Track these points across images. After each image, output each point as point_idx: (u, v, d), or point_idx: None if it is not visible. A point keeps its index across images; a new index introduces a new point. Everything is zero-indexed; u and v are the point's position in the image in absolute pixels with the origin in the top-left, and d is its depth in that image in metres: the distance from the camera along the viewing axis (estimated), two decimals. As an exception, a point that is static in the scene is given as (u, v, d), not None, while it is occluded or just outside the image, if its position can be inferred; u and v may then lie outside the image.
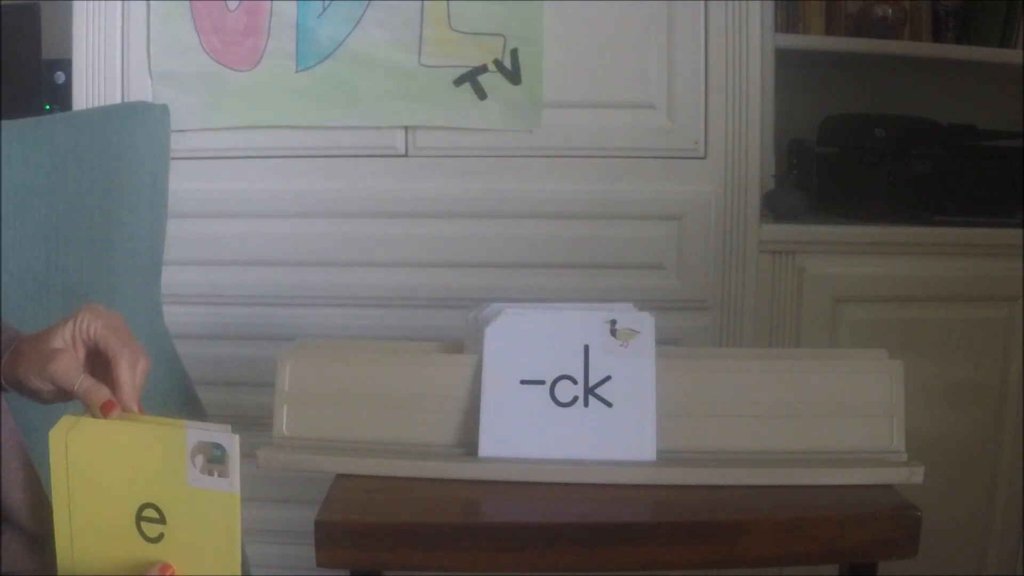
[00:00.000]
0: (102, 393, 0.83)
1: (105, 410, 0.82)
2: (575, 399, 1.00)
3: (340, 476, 0.97)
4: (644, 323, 1.03)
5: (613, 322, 1.02)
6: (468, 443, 1.00)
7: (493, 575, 0.88)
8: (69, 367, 0.84)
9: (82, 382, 0.84)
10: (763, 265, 1.70)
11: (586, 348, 1.01)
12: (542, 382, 1.01)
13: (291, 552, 1.65)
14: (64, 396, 0.85)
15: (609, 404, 1.00)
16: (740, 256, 1.69)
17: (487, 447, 0.99)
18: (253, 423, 0.99)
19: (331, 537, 0.88)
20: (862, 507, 0.92)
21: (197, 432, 0.73)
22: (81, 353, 0.86)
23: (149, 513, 0.75)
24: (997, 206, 1.77)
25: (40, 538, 0.92)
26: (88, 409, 0.82)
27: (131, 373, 0.84)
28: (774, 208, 1.74)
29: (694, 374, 1.02)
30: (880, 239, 1.72)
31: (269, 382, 1.03)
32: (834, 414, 1.01)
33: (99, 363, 0.86)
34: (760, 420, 1.01)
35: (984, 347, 1.76)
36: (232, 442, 0.72)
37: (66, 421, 0.76)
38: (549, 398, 1.00)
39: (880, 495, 0.95)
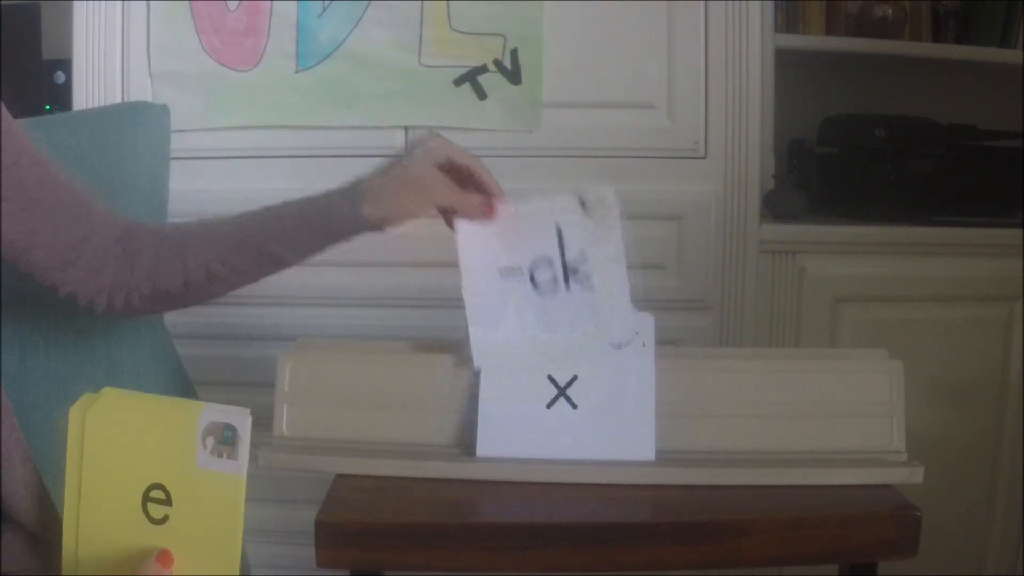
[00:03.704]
0: (478, 200, 1.02)
1: (488, 211, 1.02)
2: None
3: (340, 476, 0.97)
4: (644, 323, 1.03)
5: (583, 202, 1.04)
6: (468, 443, 1.00)
7: (493, 575, 0.88)
8: (445, 187, 1.02)
9: (460, 198, 1.02)
10: (763, 265, 1.70)
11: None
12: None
13: (291, 552, 1.65)
14: (418, 218, 1.03)
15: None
16: (740, 256, 1.69)
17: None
18: (253, 423, 0.99)
19: (331, 537, 0.88)
20: (862, 507, 0.92)
21: (211, 412, 0.73)
22: (440, 172, 1.02)
23: (156, 494, 0.75)
24: (997, 206, 1.77)
25: (41, 537, 0.92)
26: (467, 215, 1.02)
27: (488, 173, 1.03)
28: (774, 208, 1.74)
29: (694, 374, 1.02)
30: (880, 239, 1.72)
31: (269, 382, 1.03)
32: (834, 414, 1.01)
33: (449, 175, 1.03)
34: (760, 420, 1.01)
35: (984, 347, 1.76)
36: (244, 423, 0.73)
37: (86, 398, 0.76)
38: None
39: (880, 495, 0.95)
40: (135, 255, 1.04)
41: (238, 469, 0.73)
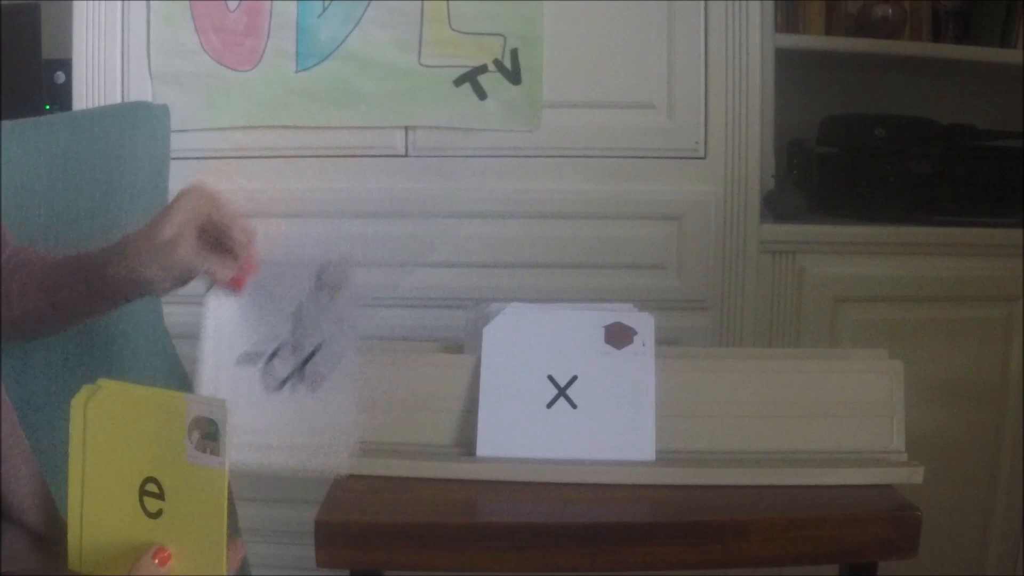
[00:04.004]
0: (227, 271, 0.91)
1: (234, 285, 0.91)
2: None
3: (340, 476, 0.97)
4: (644, 323, 1.03)
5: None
6: (468, 443, 1.00)
7: (493, 575, 0.88)
8: (188, 254, 0.89)
9: (207, 264, 0.90)
10: (763, 265, 1.70)
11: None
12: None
13: (291, 552, 1.65)
14: (183, 283, 0.91)
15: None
16: (740, 256, 1.69)
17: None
18: (254, 423, 0.99)
19: (331, 537, 0.88)
20: (862, 507, 0.92)
21: (194, 405, 0.73)
22: (194, 233, 0.91)
23: (151, 487, 0.75)
24: (997, 206, 1.77)
25: (43, 536, 0.92)
26: (215, 285, 0.91)
27: (243, 234, 0.92)
28: (774, 208, 1.74)
29: (694, 374, 1.02)
30: (880, 239, 1.72)
31: (269, 382, 1.03)
32: (834, 414, 1.01)
33: (208, 235, 0.92)
34: (760, 420, 1.01)
35: (984, 347, 1.76)
36: (222, 416, 0.72)
37: (85, 390, 0.76)
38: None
39: (880, 495, 0.95)
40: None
41: (220, 464, 0.73)
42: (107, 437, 0.76)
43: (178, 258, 0.90)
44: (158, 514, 0.75)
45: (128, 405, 0.76)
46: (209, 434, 0.73)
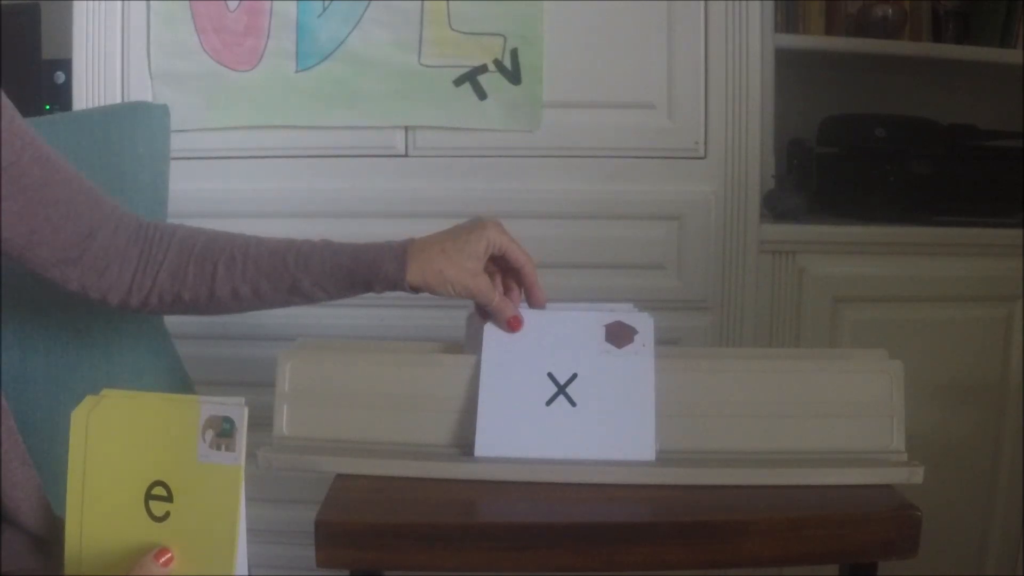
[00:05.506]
0: (511, 311, 1.03)
1: (513, 324, 1.02)
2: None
3: (340, 476, 0.97)
4: (644, 323, 1.03)
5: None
6: (468, 443, 1.00)
7: (493, 575, 0.88)
8: (488, 288, 1.02)
9: (497, 301, 1.02)
10: (763, 265, 1.70)
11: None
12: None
13: (291, 552, 1.65)
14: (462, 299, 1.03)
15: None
16: (740, 256, 1.69)
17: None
18: (253, 423, 0.99)
19: (331, 537, 0.88)
20: (862, 507, 0.92)
21: (209, 406, 0.74)
22: (484, 264, 1.03)
23: (158, 491, 0.75)
24: (997, 206, 1.77)
25: (41, 537, 0.92)
26: (494, 320, 1.02)
27: (536, 277, 1.04)
28: (774, 208, 1.74)
29: (694, 374, 1.02)
30: (880, 239, 1.72)
31: (269, 382, 1.03)
32: (834, 414, 1.01)
33: (490, 267, 1.04)
34: (760, 420, 1.01)
35: (984, 347, 1.76)
36: (241, 414, 0.73)
37: (88, 401, 0.76)
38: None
39: (880, 495, 0.95)
40: (157, 257, 1.03)
41: (236, 460, 0.73)
42: (110, 445, 0.76)
43: (479, 289, 1.01)
44: (164, 517, 0.75)
45: (135, 412, 0.76)
46: (223, 432, 0.73)
